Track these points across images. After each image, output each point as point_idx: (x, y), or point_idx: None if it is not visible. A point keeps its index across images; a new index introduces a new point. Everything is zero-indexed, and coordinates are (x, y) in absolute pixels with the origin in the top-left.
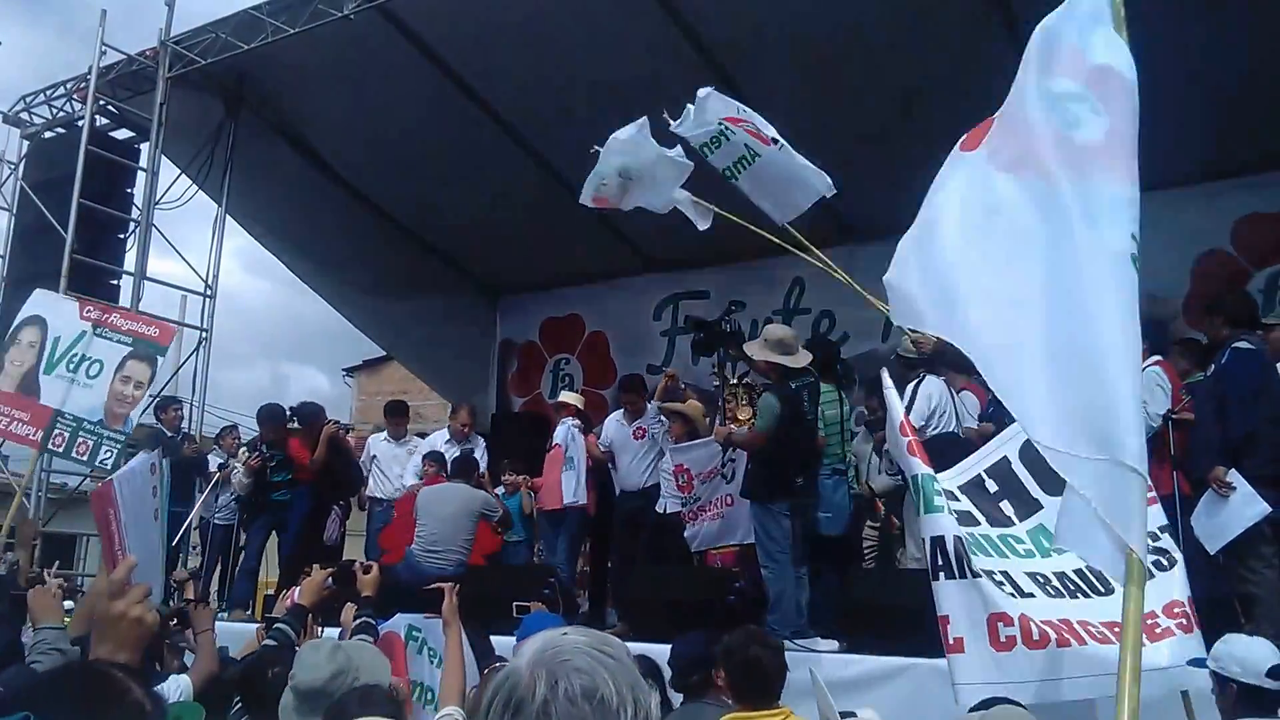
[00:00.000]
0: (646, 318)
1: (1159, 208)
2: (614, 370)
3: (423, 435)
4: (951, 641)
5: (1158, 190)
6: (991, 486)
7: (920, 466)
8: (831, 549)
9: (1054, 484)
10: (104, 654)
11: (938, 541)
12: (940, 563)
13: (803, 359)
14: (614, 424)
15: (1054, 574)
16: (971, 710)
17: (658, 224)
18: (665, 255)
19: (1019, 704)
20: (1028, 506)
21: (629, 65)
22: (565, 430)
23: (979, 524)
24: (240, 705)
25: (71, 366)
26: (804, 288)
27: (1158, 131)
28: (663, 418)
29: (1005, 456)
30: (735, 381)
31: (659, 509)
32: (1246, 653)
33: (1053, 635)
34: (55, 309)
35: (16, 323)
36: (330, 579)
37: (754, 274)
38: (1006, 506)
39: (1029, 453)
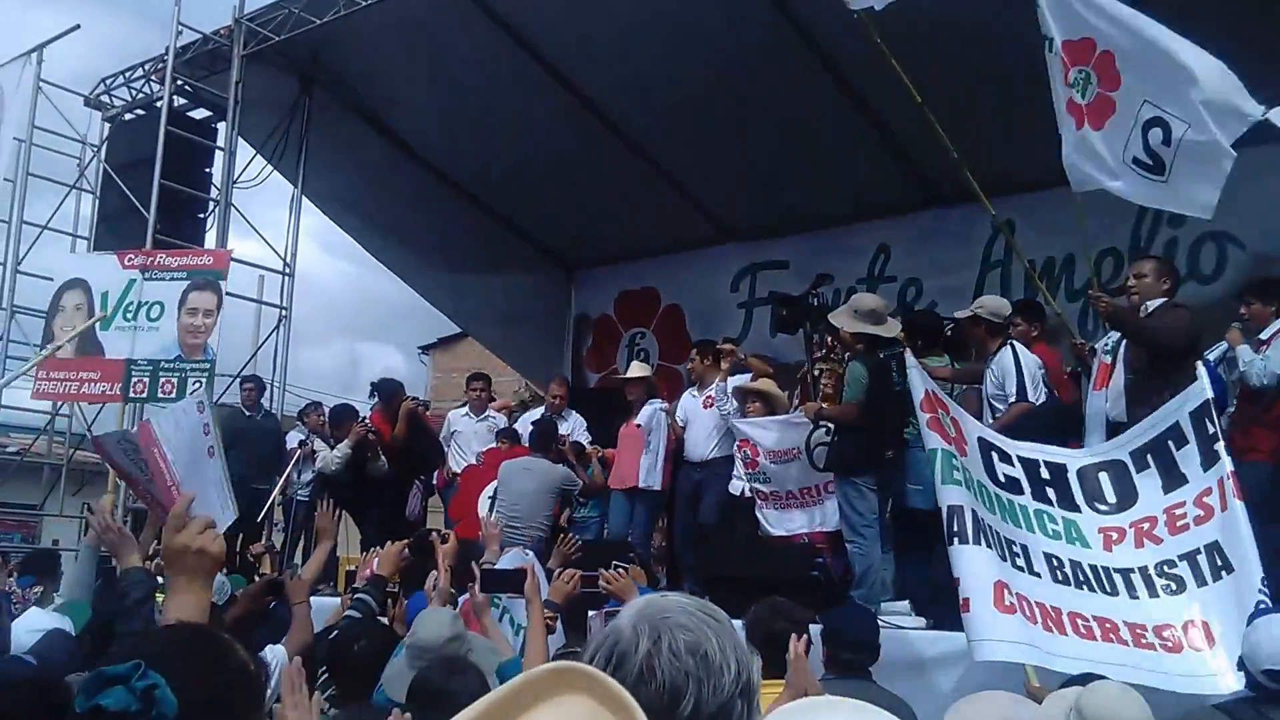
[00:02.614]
0: (724, 289)
1: (1272, 159)
2: (690, 344)
3: (523, 406)
4: (962, 601)
5: (1271, 143)
6: (1045, 474)
7: (939, 442)
8: (922, 523)
9: (1101, 504)
10: (179, 587)
11: (955, 510)
12: (955, 529)
13: (893, 328)
14: (687, 397)
15: (1069, 560)
16: (1065, 685)
17: (733, 192)
18: (742, 224)
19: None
20: (1069, 504)
21: (713, 38)
22: (652, 412)
23: (1022, 493)
24: (326, 675)
25: (129, 315)
26: (889, 255)
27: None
28: (733, 398)
29: (1064, 465)
30: (829, 357)
31: (733, 491)
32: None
33: (1038, 616)
34: (94, 267)
35: (55, 290)
36: (407, 549)
37: (834, 242)
38: (1051, 492)
39: (1090, 476)
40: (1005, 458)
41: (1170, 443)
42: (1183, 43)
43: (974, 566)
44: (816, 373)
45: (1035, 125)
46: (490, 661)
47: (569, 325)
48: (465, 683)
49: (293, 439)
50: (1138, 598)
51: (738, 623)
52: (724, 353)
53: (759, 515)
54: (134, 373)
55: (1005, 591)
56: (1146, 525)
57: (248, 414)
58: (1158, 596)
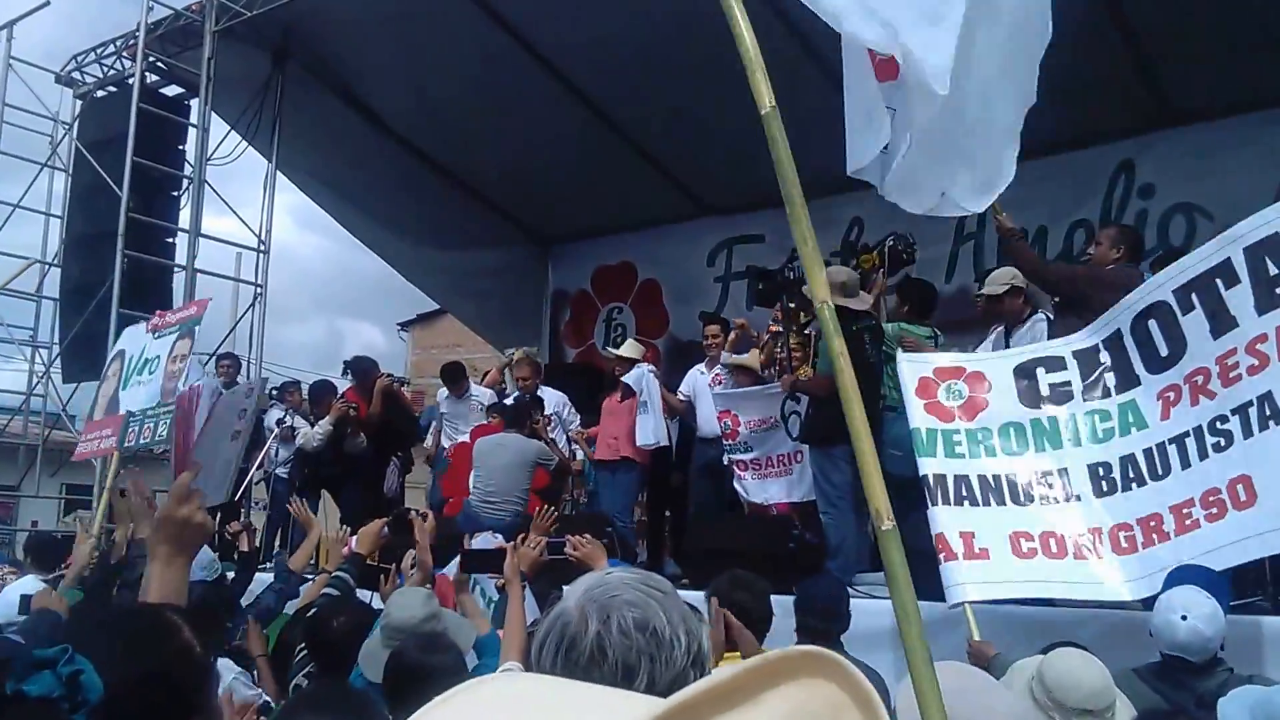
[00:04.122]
0: (700, 263)
1: (1240, 132)
2: (667, 319)
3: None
4: (943, 553)
5: (1240, 115)
6: (1104, 358)
7: (935, 422)
8: (904, 490)
9: (1156, 363)
10: (165, 557)
11: (939, 479)
12: (939, 495)
13: (865, 301)
14: (695, 373)
15: (1119, 459)
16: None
17: (709, 167)
18: (718, 199)
19: (1081, 646)
20: (1128, 380)
21: (689, 13)
22: (640, 373)
23: (1071, 400)
24: (305, 653)
25: (139, 371)
26: (863, 228)
27: (1237, 51)
28: (726, 369)
29: (1118, 331)
30: (802, 330)
31: (724, 461)
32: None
33: (1053, 547)
34: (132, 337)
35: (108, 360)
36: (386, 527)
37: (809, 215)
38: (1110, 378)
39: (1140, 329)
40: (1055, 364)
41: (1219, 280)
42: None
43: (945, 521)
44: (795, 345)
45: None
46: (467, 637)
47: (546, 300)
48: (443, 660)
49: (271, 417)
50: (1189, 464)
51: (699, 594)
52: (736, 327)
53: (737, 486)
54: (130, 425)
55: (969, 540)
56: (1200, 379)
57: (224, 391)
58: (1207, 456)
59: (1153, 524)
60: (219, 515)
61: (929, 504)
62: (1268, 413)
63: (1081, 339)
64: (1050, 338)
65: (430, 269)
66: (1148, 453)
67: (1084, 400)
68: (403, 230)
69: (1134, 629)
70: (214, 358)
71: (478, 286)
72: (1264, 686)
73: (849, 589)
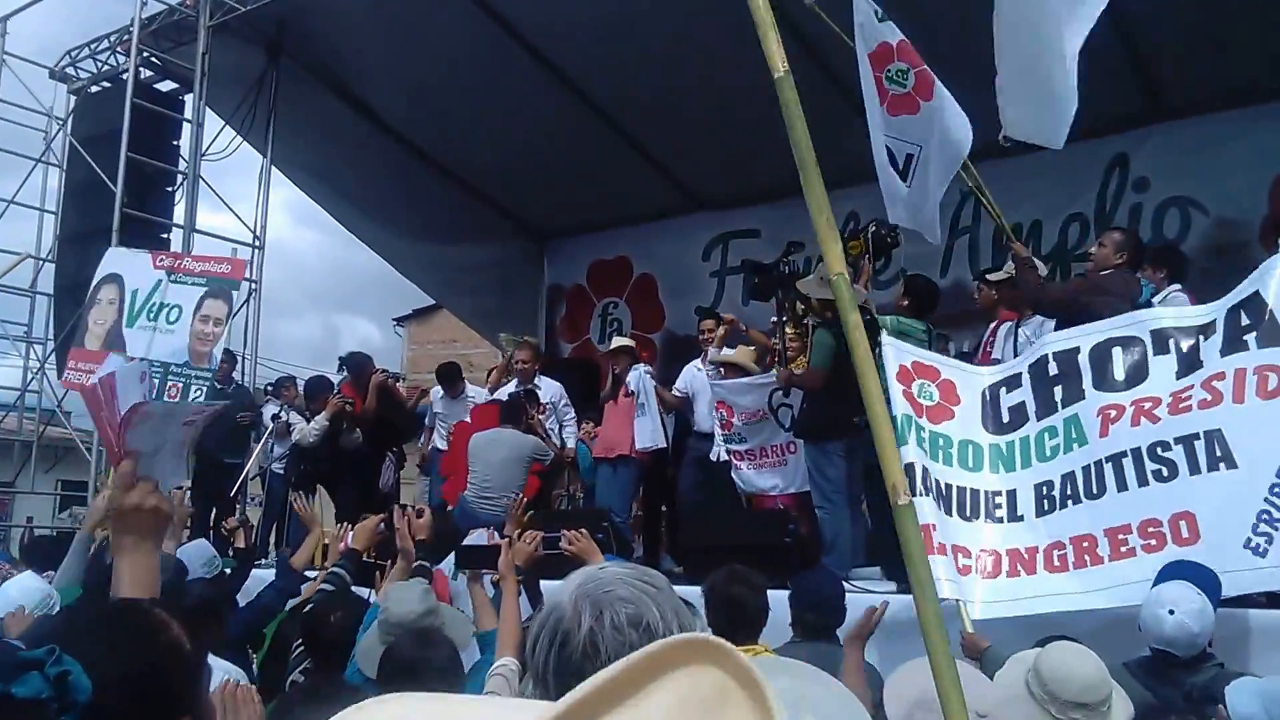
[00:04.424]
0: (696, 258)
1: (1234, 125)
2: (663, 313)
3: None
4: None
5: (1234, 109)
6: (1053, 369)
7: (909, 409)
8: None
9: (1108, 384)
10: (128, 547)
11: (908, 467)
12: (918, 484)
13: (860, 295)
14: (691, 369)
15: (1060, 477)
16: (1039, 643)
17: (704, 162)
18: (713, 193)
19: (1073, 639)
20: (1074, 395)
21: (682, 7)
22: (638, 376)
23: (1027, 421)
24: (302, 649)
25: (152, 315)
26: (858, 222)
27: (1231, 45)
28: (719, 367)
29: (1077, 348)
30: (799, 324)
31: (712, 457)
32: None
33: (1004, 564)
34: (129, 264)
35: (94, 283)
36: (382, 524)
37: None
38: (1058, 391)
39: (1099, 351)
40: (1013, 383)
41: (1200, 335)
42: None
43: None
44: (791, 339)
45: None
46: (464, 632)
47: (542, 295)
48: (437, 655)
49: (267, 413)
50: (1126, 489)
51: (697, 589)
52: (725, 322)
53: (735, 476)
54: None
55: (932, 531)
56: (1149, 405)
57: (219, 387)
58: (1147, 484)
59: (1085, 544)
60: (216, 512)
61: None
62: (1218, 453)
63: (1035, 351)
64: None
65: (425, 264)
66: (1085, 470)
67: (1038, 420)
68: (398, 225)
69: (1132, 623)
70: None
71: (473, 281)
72: (1269, 678)
73: (845, 583)
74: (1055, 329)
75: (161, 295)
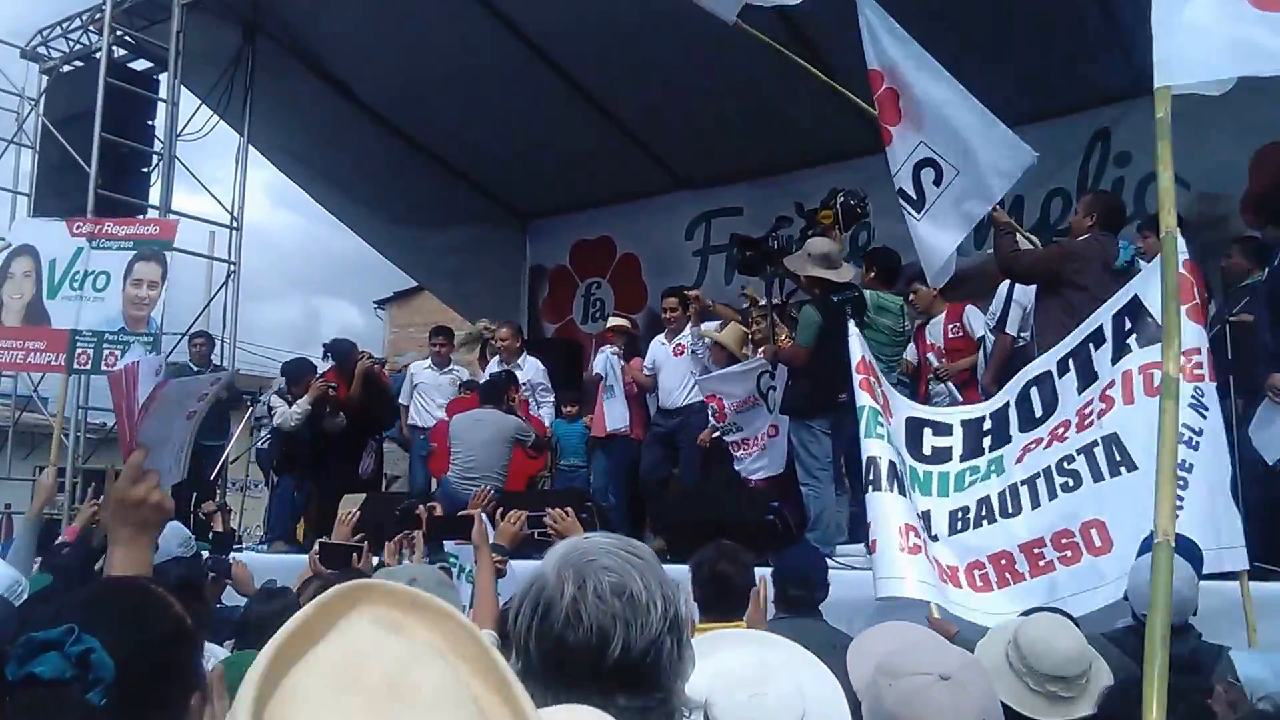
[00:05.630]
0: (678, 237)
1: (1216, 100)
2: (646, 293)
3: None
4: (870, 542)
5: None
6: (987, 425)
7: (868, 400)
8: None
9: (1031, 422)
10: (125, 539)
11: (873, 460)
12: (872, 477)
13: (847, 273)
14: (656, 344)
15: (976, 502)
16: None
17: (686, 140)
18: (695, 172)
19: (1062, 611)
20: (1002, 439)
21: None
22: (604, 359)
23: (949, 460)
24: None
25: (76, 285)
26: None
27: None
28: (705, 340)
29: (1006, 404)
30: (783, 303)
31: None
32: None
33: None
34: (43, 233)
35: (4, 257)
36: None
37: (786, 187)
38: (987, 441)
39: (1023, 397)
40: (943, 429)
41: (1090, 344)
42: (972, 102)
43: (885, 509)
44: (778, 318)
45: (980, 71)
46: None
47: (524, 276)
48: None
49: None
50: (1039, 504)
51: (683, 567)
52: (691, 300)
53: (738, 467)
54: (79, 343)
55: (912, 534)
56: (1061, 429)
57: (197, 370)
58: (1056, 496)
59: (1004, 562)
60: (195, 496)
61: (864, 489)
62: (1118, 457)
63: (972, 411)
64: (1034, 326)
65: (407, 246)
66: (1001, 494)
67: (960, 462)
68: (378, 207)
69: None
70: (187, 336)
71: (455, 263)
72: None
73: (829, 560)
74: (1033, 324)
75: (84, 263)
